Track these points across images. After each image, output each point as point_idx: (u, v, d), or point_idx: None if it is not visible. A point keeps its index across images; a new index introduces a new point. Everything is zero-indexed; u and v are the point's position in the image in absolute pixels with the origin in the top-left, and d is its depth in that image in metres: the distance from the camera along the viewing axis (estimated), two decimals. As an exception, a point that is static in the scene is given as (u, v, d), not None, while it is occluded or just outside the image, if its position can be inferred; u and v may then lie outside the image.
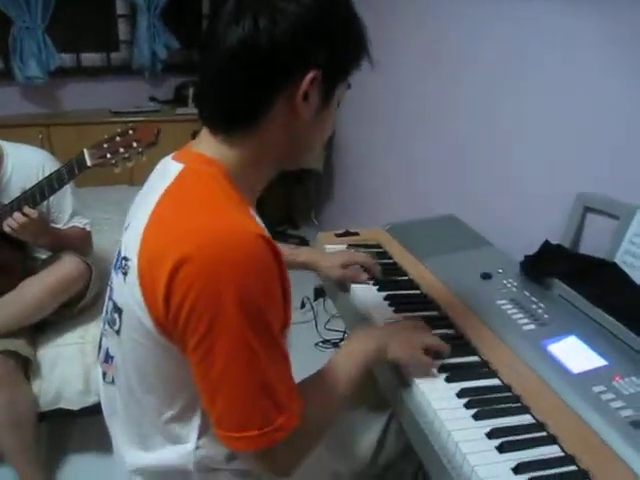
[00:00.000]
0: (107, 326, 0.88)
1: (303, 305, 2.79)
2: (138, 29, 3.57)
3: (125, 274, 0.79)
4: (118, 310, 0.82)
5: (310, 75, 0.76)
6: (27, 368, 1.75)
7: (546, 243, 1.36)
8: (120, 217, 2.42)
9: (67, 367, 1.80)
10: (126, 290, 0.78)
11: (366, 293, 1.35)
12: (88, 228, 1.93)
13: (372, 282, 1.39)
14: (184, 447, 0.86)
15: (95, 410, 1.84)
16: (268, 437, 0.75)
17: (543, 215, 1.56)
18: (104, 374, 0.93)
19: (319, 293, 2.86)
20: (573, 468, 0.85)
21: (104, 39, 3.69)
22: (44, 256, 1.87)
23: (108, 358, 0.90)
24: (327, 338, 2.64)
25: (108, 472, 1.90)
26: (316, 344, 2.61)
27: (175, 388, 0.82)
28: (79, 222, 1.89)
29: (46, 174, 1.65)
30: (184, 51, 3.80)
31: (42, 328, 1.85)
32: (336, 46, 0.78)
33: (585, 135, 1.42)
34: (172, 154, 0.87)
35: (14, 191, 1.69)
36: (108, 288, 0.89)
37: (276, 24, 0.73)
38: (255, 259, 0.72)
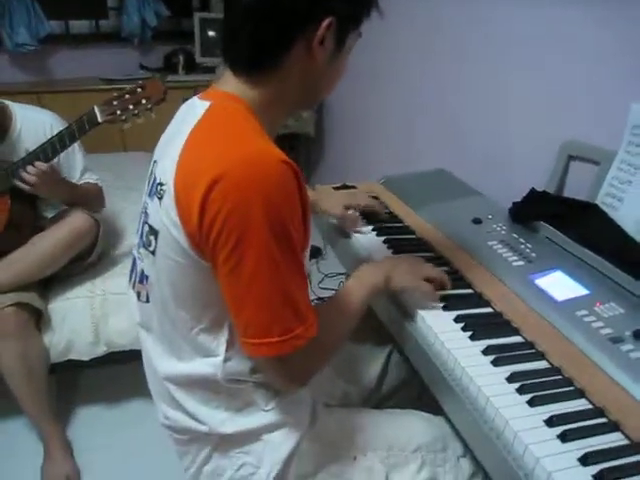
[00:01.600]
0: (142, 249, 0.95)
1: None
2: (127, -4, 3.56)
3: (160, 198, 0.86)
4: (154, 232, 0.89)
5: (327, 21, 0.84)
6: (38, 321, 1.80)
7: (532, 190, 1.45)
8: (120, 182, 2.51)
9: (77, 319, 1.85)
10: (162, 212, 0.85)
11: (366, 238, 1.44)
12: (100, 184, 1.97)
13: (372, 228, 1.48)
14: (213, 359, 0.93)
15: (104, 360, 1.93)
16: (288, 344, 0.83)
17: (529, 166, 1.65)
18: (139, 294, 1.01)
19: (313, 253, 2.96)
20: (559, 377, 0.96)
21: (92, 6, 3.67)
22: (51, 215, 1.91)
23: (143, 278, 0.97)
24: (321, 296, 2.72)
25: (116, 421, 2.02)
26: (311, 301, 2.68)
27: (204, 303, 0.89)
28: (90, 178, 1.93)
29: (54, 133, 1.67)
30: (174, 19, 3.81)
31: (50, 284, 1.90)
32: None
33: (567, 87, 1.50)
34: (197, 95, 0.94)
35: (23, 151, 1.73)
36: (142, 215, 0.96)
37: None
38: (280, 181, 0.79)
